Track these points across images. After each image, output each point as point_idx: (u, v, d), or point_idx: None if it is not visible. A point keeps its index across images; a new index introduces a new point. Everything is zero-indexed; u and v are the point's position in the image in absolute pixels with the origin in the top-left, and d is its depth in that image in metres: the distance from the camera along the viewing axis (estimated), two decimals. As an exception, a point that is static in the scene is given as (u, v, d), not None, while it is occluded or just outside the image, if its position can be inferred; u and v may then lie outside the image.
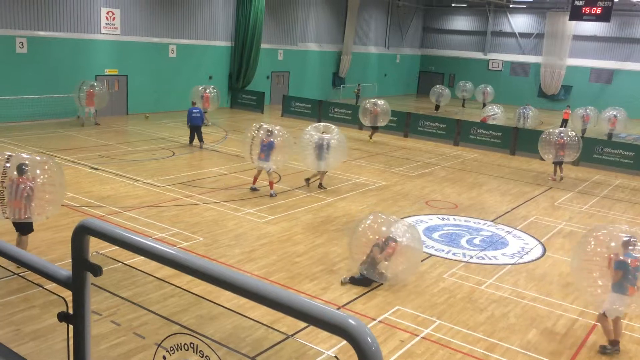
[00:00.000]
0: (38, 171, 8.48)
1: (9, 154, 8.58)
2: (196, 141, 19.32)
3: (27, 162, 8.41)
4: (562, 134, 18.16)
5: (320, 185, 14.98)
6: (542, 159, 18.99)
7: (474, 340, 7.75)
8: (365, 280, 9.15)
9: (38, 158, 8.89)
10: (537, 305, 9.04)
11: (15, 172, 8.24)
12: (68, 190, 12.95)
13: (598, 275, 7.52)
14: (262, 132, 13.71)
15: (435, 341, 7.67)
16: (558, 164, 18.37)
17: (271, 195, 13.80)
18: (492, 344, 7.71)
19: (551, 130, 18.76)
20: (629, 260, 7.25)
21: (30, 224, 8.72)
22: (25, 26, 21.49)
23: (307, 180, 14.93)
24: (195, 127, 19.16)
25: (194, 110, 19.18)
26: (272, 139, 13.55)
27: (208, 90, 23.94)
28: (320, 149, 14.27)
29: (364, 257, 9.07)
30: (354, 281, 9.23)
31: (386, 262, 9.03)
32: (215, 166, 16.78)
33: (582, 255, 7.71)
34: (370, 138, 23.07)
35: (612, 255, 7.35)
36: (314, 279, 9.37)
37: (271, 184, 13.96)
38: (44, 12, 21.93)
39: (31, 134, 19.27)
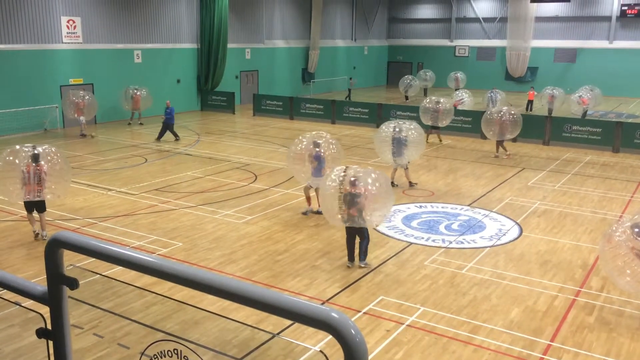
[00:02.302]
0: (49, 158, 10.47)
1: (21, 148, 10.42)
2: (170, 137, 21.10)
3: (40, 152, 10.39)
4: (501, 113, 18.60)
5: (410, 184, 14.84)
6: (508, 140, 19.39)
7: (458, 324, 7.85)
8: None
9: (46, 148, 10.64)
10: (517, 284, 9.19)
11: (33, 162, 10.23)
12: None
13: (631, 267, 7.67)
14: (307, 144, 12.17)
15: (421, 328, 7.75)
16: (500, 141, 18.87)
17: (305, 213, 12.51)
18: (476, 326, 7.82)
19: (492, 109, 19.30)
20: None
21: (44, 202, 10.61)
22: (-16, 40, 20.97)
23: (392, 183, 14.41)
24: (169, 125, 20.97)
25: (167, 110, 20.91)
26: (319, 150, 12.03)
27: (139, 92, 24.40)
28: (398, 144, 13.98)
29: (345, 215, 9.30)
30: (348, 254, 9.81)
31: (363, 210, 9.28)
32: (189, 170, 16.63)
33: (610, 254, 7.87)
34: (440, 140, 21.42)
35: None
36: (296, 276, 9.37)
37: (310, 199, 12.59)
38: (3, 24, 21.40)
39: (-2, 150, 18.83)
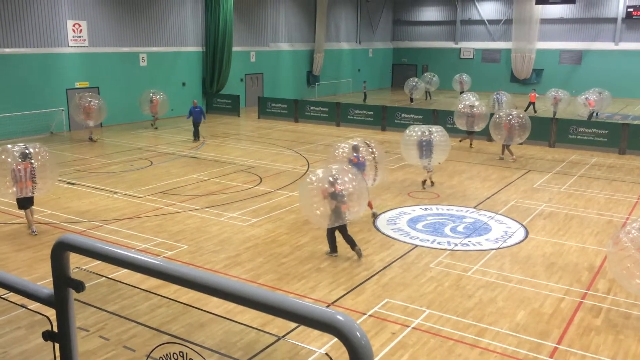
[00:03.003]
0: (39, 156, 10.98)
1: (11, 147, 10.86)
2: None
3: (30, 151, 10.89)
4: (510, 117, 18.48)
5: (423, 183, 15.15)
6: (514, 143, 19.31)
7: (464, 327, 7.82)
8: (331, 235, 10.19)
9: (37, 146, 11.12)
10: (523, 287, 9.15)
11: (22, 160, 10.69)
12: (45, 208, 12.80)
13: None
14: (347, 149, 12.13)
15: (426, 330, 7.73)
16: (506, 145, 18.78)
17: (374, 215, 12.60)
18: (482, 328, 7.79)
19: (501, 113, 19.15)
20: None
21: (33, 197, 11.11)
22: (-9, 44, 21.10)
23: (431, 182, 15.28)
24: (197, 124, 21.67)
25: (196, 109, 21.59)
26: (357, 155, 11.95)
27: (158, 95, 24.46)
28: (428, 146, 14.28)
29: (328, 212, 9.67)
30: (331, 247, 10.26)
31: (349, 206, 9.73)
32: (194, 173, 16.66)
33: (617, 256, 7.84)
34: (471, 145, 21.27)
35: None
36: (302, 279, 9.37)
37: (370, 203, 12.07)
38: (9, 28, 21.54)
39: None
